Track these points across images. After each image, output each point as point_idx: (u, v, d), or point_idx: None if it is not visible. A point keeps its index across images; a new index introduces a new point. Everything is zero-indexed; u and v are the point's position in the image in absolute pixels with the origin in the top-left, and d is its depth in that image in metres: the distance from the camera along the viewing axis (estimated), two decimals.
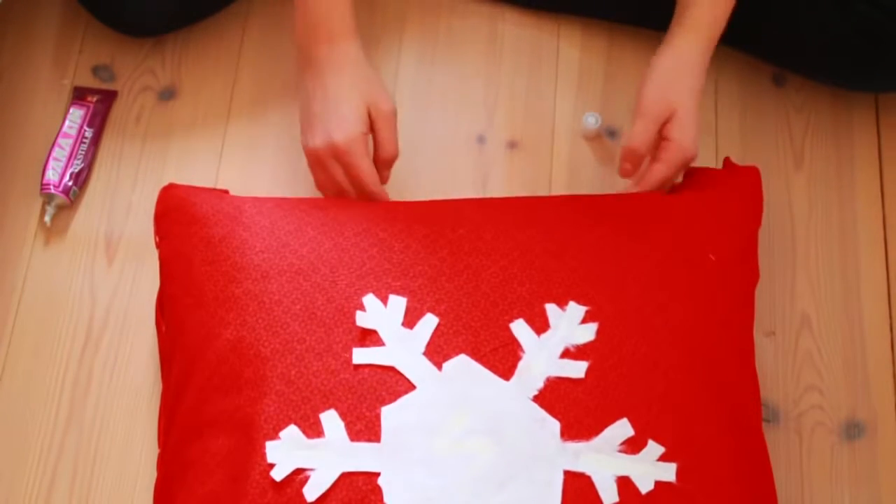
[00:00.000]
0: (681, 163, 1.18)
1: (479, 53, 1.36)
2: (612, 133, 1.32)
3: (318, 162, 1.17)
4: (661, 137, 1.17)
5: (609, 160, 1.30)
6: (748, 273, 1.15)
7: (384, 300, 1.08)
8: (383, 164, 1.19)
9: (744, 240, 1.16)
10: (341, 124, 1.15)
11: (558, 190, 1.29)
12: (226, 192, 1.22)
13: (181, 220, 1.15)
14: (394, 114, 1.18)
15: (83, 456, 1.16)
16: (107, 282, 1.24)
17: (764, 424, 1.13)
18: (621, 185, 1.29)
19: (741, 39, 1.29)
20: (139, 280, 1.24)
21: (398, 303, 1.08)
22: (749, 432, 1.08)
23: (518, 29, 1.37)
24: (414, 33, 1.37)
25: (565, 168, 1.30)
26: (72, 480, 1.15)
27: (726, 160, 1.23)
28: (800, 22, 1.25)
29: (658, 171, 1.17)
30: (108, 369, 1.20)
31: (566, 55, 1.36)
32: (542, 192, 1.28)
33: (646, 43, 1.36)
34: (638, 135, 1.16)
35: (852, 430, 1.18)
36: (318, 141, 1.16)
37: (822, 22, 1.24)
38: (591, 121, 1.30)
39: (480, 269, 1.10)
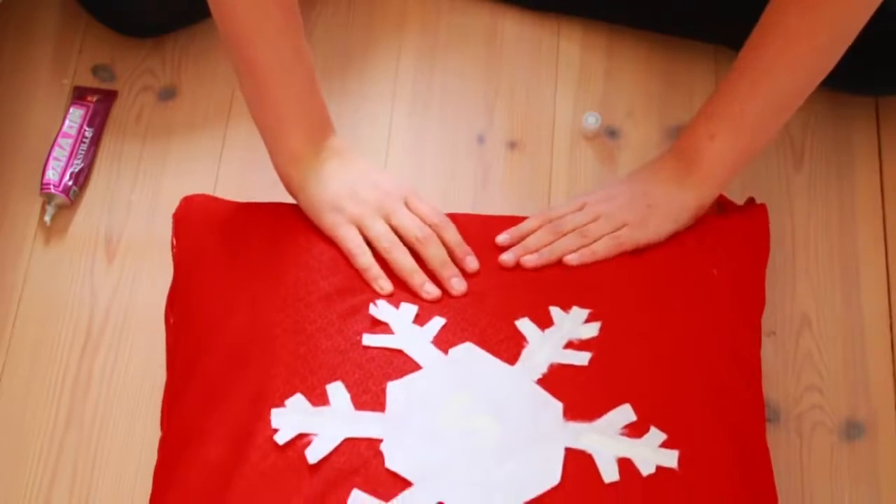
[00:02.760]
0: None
1: (479, 53, 1.36)
2: (612, 133, 1.32)
3: (376, 216, 1.12)
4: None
5: (609, 160, 1.30)
6: (753, 297, 1.15)
7: (396, 306, 1.09)
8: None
9: (749, 265, 1.16)
10: (392, 178, 1.15)
11: (558, 190, 1.29)
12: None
13: (200, 221, 1.16)
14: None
15: (83, 456, 1.16)
16: (107, 282, 1.24)
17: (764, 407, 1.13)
18: None
19: (741, 42, 1.29)
20: (139, 280, 1.24)
21: (409, 308, 1.09)
22: (751, 438, 1.07)
23: (518, 29, 1.37)
24: (414, 33, 1.37)
25: (565, 168, 1.30)
26: (72, 480, 1.15)
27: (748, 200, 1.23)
28: None
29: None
30: (108, 369, 1.20)
31: (566, 55, 1.36)
32: (542, 191, 1.29)
33: (646, 43, 1.36)
34: (572, 217, 1.15)
35: (852, 430, 1.18)
36: (375, 195, 1.13)
37: None
38: (592, 121, 1.30)
39: (487, 285, 1.11)
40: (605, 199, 1.16)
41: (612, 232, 1.14)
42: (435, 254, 1.12)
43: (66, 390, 1.19)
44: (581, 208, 1.16)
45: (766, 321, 1.19)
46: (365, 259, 1.11)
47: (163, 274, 1.19)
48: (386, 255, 1.11)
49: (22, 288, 1.23)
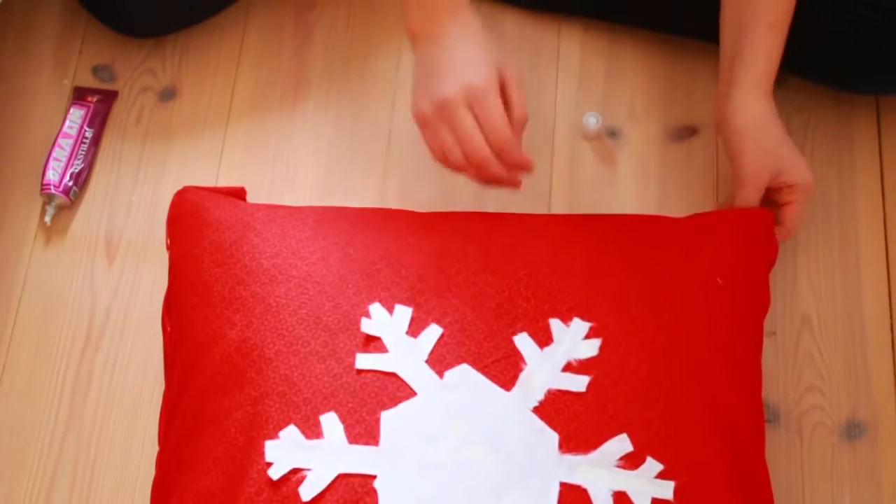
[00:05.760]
0: (809, 196, 1.22)
1: None
2: (612, 133, 1.32)
3: (443, 114, 1.11)
4: (778, 185, 1.20)
5: (609, 160, 1.30)
6: (757, 301, 1.15)
7: (390, 310, 1.09)
8: (517, 126, 1.13)
9: (753, 270, 1.16)
10: (479, 69, 1.11)
11: (559, 190, 1.29)
12: (242, 189, 1.22)
13: (193, 224, 1.15)
14: (518, 80, 1.14)
15: (83, 456, 1.16)
16: (107, 282, 1.24)
17: (765, 425, 1.12)
18: (621, 184, 1.29)
19: None
20: (139, 280, 1.24)
21: (404, 312, 1.09)
22: (750, 458, 1.07)
23: (519, 29, 1.37)
24: None
25: (565, 168, 1.30)
26: (72, 480, 1.15)
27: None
28: (799, 24, 1.25)
29: (795, 214, 1.21)
30: (108, 369, 1.20)
31: (567, 55, 1.36)
32: (542, 191, 1.28)
33: (646, 43, 1.36)
34: (746, 203, 1.19)
35: (853, 431, 1.18)
36: (447, 88, 1.10)
37: (822, 24, 1.24)
38: (592, 121, 1.30)
39: (486, 287, 1.10)
40: (800, 174, 1.19)
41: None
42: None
43: (66, 390, 1.19)
44: (792, 192, 1.20)
45: (767, 321, 1.19)
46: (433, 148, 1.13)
47: (163, 274, 1.19)
48: (444, 156, 1.12)
49: (22, 288, 1.23)
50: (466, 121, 1.10)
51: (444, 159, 1.12)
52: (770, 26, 1.18)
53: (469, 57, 1.11)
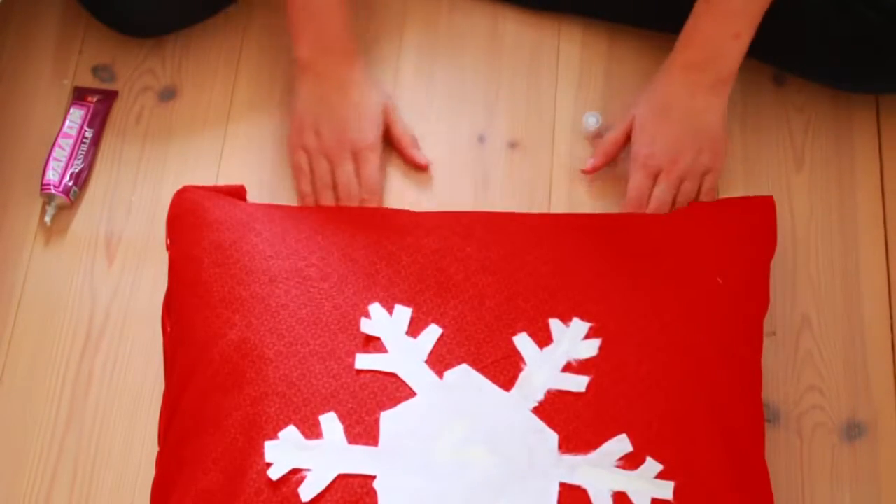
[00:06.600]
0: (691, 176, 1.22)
1: (479, 53, 1.36)
2: None
3: (328, 156, 1.22)
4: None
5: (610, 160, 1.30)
6: (757, 301, 1.15)
7: (390, 310, 1.09)
8: (412, 145, 1.27)
9: (754, 268, 1.16)
10: (369, 127, 1.23)
11: (558, 190, 1.29)
12: (242, 188, 1.22)
13: (193, 224, 1.15)
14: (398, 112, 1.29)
15: (83, 456, 1.16)
16: (107, 282, 1.24)
17: (765, 425, 1.12)
18: (621, 184, 1.29)
19: None
20: (139, 280, 1.24)
21: (403, 312, 1.09)
22: (750, 458, 1.07)
23: (518, 28, 1.37)
24: (414, 33, 1.37)
25: (565, 168, 1.30)
26: (72, 480, 1.15)
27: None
28: (799, 24, 1.25)
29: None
30: (108, 369, 1.20)
31: (567, 55, 1.36)
32: (542, 191, 1.28)
33: (646, 43, 1.36)
34: (635, 188, 1.21)
35: (853, 431, 1.18)
36: (337, 138, 1.21)
37: (822, 24, 1.24)
38: (592, 121, 1.30)
39: (486, 287, 1.11)
40: (671, 158, 1.20)
41: (700, 185, 1.21)
42: None
43: (66, 390, 1.19)
44: (654, 176, 1.20)
45: (767, 321, 1.19)
46: (303, 186, 1.23)
47: (163, 275, 1.19)
48: (315, 193, 1.22)
49: (22, 288, 1.23)
50: (348, 169, 1.22)
51: (307, 190, 1.23)
52: (708, 7, 1.17)
53: (362, 105, 1.23)
